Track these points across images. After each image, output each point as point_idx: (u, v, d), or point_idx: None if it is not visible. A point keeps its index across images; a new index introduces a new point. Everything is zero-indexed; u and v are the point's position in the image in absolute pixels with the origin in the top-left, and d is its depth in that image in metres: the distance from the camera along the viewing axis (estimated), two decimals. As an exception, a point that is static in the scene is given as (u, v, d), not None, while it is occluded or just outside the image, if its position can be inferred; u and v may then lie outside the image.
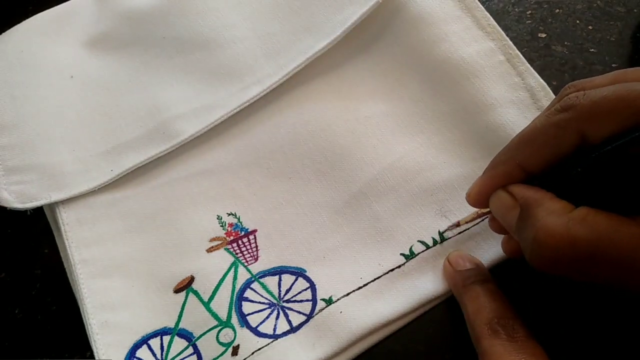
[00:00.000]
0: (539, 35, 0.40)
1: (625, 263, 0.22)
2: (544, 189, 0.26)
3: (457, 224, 0.34)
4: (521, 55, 0.36)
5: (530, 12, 0.41)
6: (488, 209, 0.30)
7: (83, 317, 0.34)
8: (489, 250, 0.33)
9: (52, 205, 0.37)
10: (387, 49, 0.39)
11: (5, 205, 0.36)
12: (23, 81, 0.40)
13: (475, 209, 0.32)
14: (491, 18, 0.37)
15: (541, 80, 0.35)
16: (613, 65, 0.38)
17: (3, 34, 0.42)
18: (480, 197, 0.29)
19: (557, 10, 0.41)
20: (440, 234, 0.34)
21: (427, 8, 0.38)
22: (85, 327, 0.34)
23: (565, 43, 0.40)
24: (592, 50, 0.39)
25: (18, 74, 0.40)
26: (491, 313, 0.29)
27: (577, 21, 0.40)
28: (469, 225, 0.34)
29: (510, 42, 0.36)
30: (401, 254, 0.34)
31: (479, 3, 0.38)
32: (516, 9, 0.41)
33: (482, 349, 0.28)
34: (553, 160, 0.26)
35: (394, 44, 0.39)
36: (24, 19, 0.42)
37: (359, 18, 0.37)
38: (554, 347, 0.28)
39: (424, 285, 0.33)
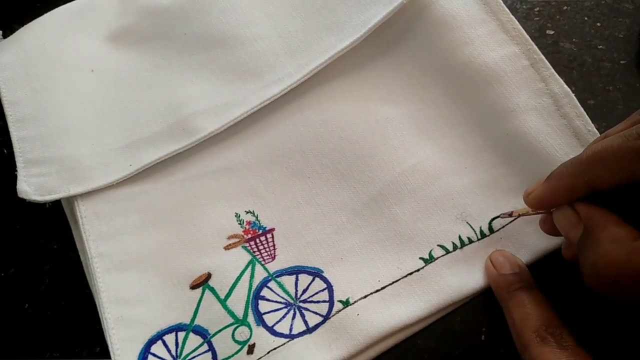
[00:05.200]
0: (547, 32, 0.40)
1: None
2: (610, 208, 0.25)
3: (510, 214, 0.33)
4: (546, 60, 0.35)
5: (538, 9, 0.41)
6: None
7: (99, 311, 0.34)
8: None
9: (70, 199, 0.37)
10: (410, 50, 0.39)
11: (25, 197, 0.36)
12: (44, 74, 0.40)
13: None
14: (516, 22, 0.37)
15: (565, 87, 0.35)
16: (622, 62, 0.38)
17: (25, 26, 0.42)
18: (539, 203, 0.29)
19: (565, 8, 0.41)
20: (460, 238, 0.34)
21: (451, 11, 0.37)
22: (101, 321, 0.34)
23: (574, 40, 0.40)
24: (601, 47, 0.39)
25: (39, 67, 0.40)
26: (539, 320, 0.29)
27: (585, 18, 0.40)
28: (520, 217, 0.33)
29: (535, 47, 0.36)
30: (420, 258, 0.34)
31: (504, 6, 0.37)
32: (524, 6, 0.41)
33: (531, 356, 0.27)
34: (624, 184, 0.25)
35: (417, 46, 0.38)
36: (32, 15, 0.42)
37: (382, 18, 0.37)
38: (601, 357, 0.27)
39: (442, 289, 0.33)
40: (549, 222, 0.30)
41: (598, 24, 0.40)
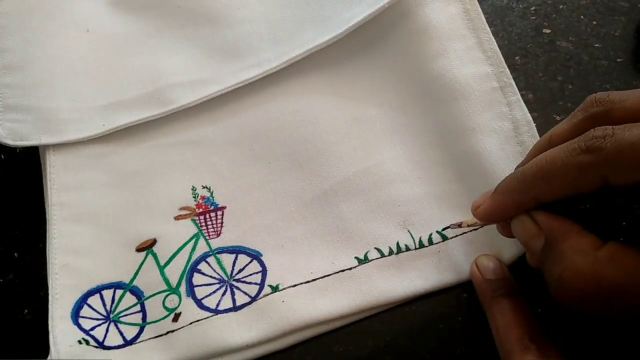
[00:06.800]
0: (544, 31, 0.40)
1: None
2: (568, 213, 0.25)
3: (459, 225, 0.33)
4: (515, 86, 0.36)
5: (534, 8, 0.41)
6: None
7: (47, 257, 0.36)
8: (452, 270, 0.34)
9: (43, 149, 0.39)
10: (389, 54, 0.39)
11: None
12: (39, 27, 0.41)
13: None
14: (494, 42, 0.37)
15: (528, 115, 0.35)
16: (618, 60, 0.38)
17: None
18: (488, 217, 0.29)
19: (561, 6, 0.41)
20: (398, 245, 0.35)
21: (434, 21, 0.37)
22: (47, 267, 0.36)
23: (570, 38, 0.40)
24: (597, 45, 0.39)
25: (36, 20, 0.41)
26: (522, 329, 0.29)
27: (582, 16, 0.40)
28: (470, 228, 0.34)
29: (508, 71, 0.36)
30: (355, 257, 0.35)
31: (486, 25, 0.37)
32: (520, 5, 0.41)
33: None
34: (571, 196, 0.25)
35: (396, 51, 0.39)
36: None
37: (363, 18, 0.37)
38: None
39: (369, 291, 0.34)
40: (508, 228, 0.29)
41: (594, 23, 0.40)
